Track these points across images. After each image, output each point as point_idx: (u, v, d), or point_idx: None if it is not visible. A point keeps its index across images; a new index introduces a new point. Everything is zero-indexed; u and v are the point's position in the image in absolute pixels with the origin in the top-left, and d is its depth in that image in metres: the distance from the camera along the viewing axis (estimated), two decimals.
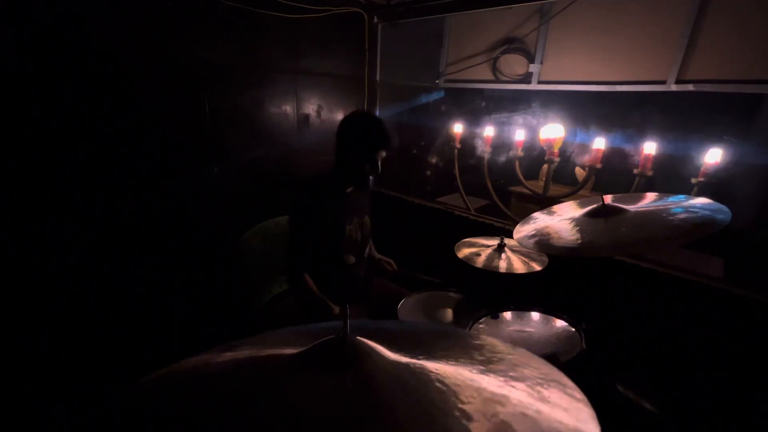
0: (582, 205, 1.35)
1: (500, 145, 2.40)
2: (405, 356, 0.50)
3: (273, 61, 2.03)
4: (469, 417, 0.39)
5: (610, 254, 1.34)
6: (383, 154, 1.48)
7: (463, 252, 1.57)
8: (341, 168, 1.52)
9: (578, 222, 1.24)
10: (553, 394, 0.45)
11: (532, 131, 2.11)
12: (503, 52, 2.44)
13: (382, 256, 1.83)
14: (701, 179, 1.59)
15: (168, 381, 0.50)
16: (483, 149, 2.26)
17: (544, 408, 0.42)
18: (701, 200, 1.18)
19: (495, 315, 1.43)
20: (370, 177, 1.51)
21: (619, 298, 1.64)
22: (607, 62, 2.07)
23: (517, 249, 1.58)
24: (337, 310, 1.46)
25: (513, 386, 0.45)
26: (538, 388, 0.46)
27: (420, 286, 1.70)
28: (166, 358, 0.55)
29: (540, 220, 1.38)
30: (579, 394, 0.46)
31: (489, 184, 2.29)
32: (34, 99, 1.39)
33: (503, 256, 1.53)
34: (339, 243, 1.55)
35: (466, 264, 1.51)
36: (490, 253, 1.55)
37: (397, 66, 2.60)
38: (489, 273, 1.45)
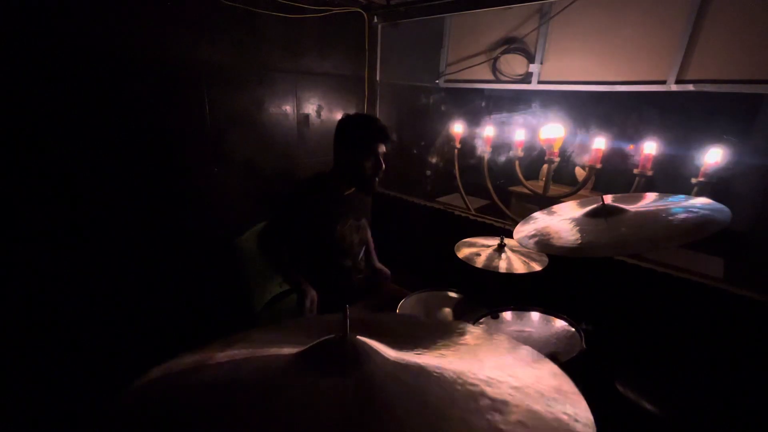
0: (582, 205, 1.35)
1: (500, 145, 2.40)
2: (405, 355, 0.50)
3: (273, 61, 2.03)
4: (467, 417, 0.39)
5: (610, 254, 1.34)
6: (383, 149, 1.47)
7: (463, 252, 1.57)
8: (340, 169, 1.51)
9: (578, 222, 1.24)
10: (553, 392, 0.45)
11: (532, 131, 2.11)
12: (503, 52, 2.44)
13: (382, 267, 1.82)
14: (701, 179, 1.59)
15: (168, 380, 0.50)
16: (483, 149, 2.26)
17: (544, 408, 0.42)
18: (701, 200, 1.18)
19: (495, 315, 1.43)
20: (376, 178, 1.48)
21: (619, 298, 1.64)
22: (607, 62, 2.07)
23: (517, 249, 1.58)
24: (310, 295, 1.40)
25: (513, 386, 0.45)
26: (539, 387, 0.46)
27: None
28: (166, 359, 0.55)
29: (540, 220, 1.38)
30: (577, 395, 0.46)
31: (489, 184, 2.29)
32: (33, 99, 1.39)
33: (503, 256, 1.53)
34: (330, 243, 1.54)
35: (466, 264, 1.51)
36: (490, 253, 1.55)
37: (397, 66, 2.60)
38: (489, 273, 1.45)
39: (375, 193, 1.54)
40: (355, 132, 1.46)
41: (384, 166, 1.47)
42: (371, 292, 1.75)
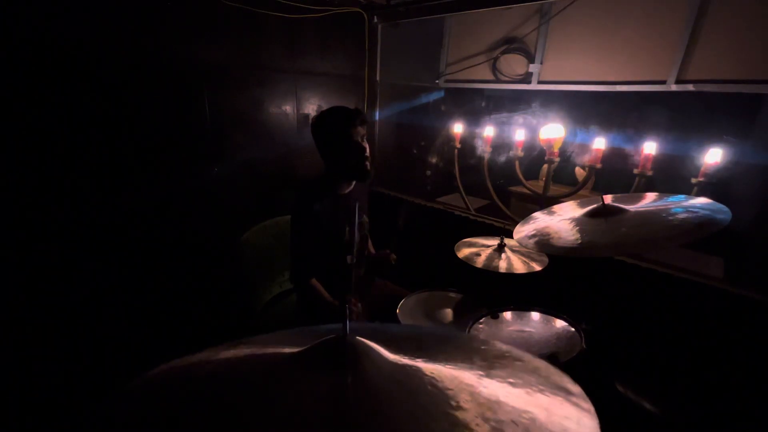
0: (582, 205, 1.35)
1: (500, 145, 2.39)
2: (404, 358, 0.50)
3: (273, 61, 2.03)
4: (457, 421, 0.38)
5: (610, 254, 1.34)
6: (360, 131, 1.44)
7: (463, 252, 1.57)
8: (331, 167, 1.51)
9: (578, 222, 1.24)
10: (555, 401, 0.45)
11: (532, 131, 2.11)
12: (503, 52, 2.44)
13: (379, 252, 1.82)
14: (701, 179, 1.59)
15: (166, 380, 0.50)
16: (483, 149, 2.26)
17: (541, 415, 0.41)
18: (701, 200, 1.18)
19: (495, 315, 1.43)
20: (366, 162, 1.45)
21: (619, 298, 1.64)
22: (607, 62, 2.07)
23: (517, 249, 1.58)
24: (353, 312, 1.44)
25: (511, 392, 0.45)
26: (540, 395, 0.45)
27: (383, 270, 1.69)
28: (166, 359, 0.55)
29: (540, 220, 1.38)
30: (586, 403, 0.46)
31: (489, 184, 2.29)
32: (33, 99, 1.39)
33: (503, 256, 1.53)
34: (340, 244, 1.55)
35: (466, 264, 1.51)
36: (490, 253, 1.55)
37: (397, 66, 2.60)
38: (489, 273, 1.45)
39: (370, 177, 1.52)
40: (327, 124, 1.45)
41: (367, 147, 1.45)
42: (372, 288, 1.76)
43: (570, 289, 1.70)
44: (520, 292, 1.56)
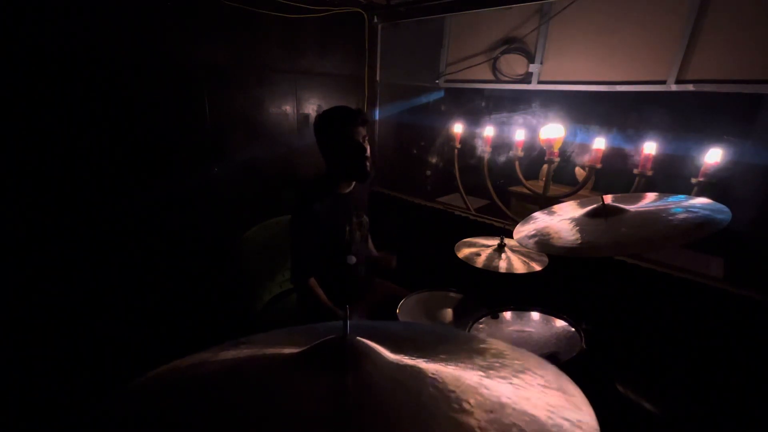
0: (582, 205, 1.35)
1: (500, 145, 2.40)
2: (405, 358, 0.50)
3: (273, 61, 2.03)
4: (461, 425, 0.38)
5: (610, 254, 1.34)
6: (361, 131, 1.44)
7: (463, 252, 1.57)
8: (332, 167, 1.52)
9: (578, 222, 1.24)
10: (556, 403, 0.45)
11: (532, 131, 2.11)
12: (503, 52, 2.44)
13: (381, 253, 1.83)
14: (701, 179, 1.59)
15: (167, 380, 0.50)
16: (483, 149, 2.26)
17: (543, 416, 0.41)
18: (701, 200, 1.18)
19: (495, 315, 1.43)
20: (366, 162, 1.45)
21: (619, 298, 1.64)
22: (607, 62, 2.07)
23: (517, 249, 1.58)
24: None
25: (513, 394, 0.45)
26: (541, 396, 0.45)
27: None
28: (166, 359, 0.55)
29: (540, 220, 1.38)
30: (585, 406, 0.45)
31: (489, 184, 2.29)
32: (32, 99, 1.39)
33: (503, 256, 1.53)
34: (340, 244, 1.55)
35: (466, 264, 1.51)
36: (490, 253, 1.55)
37: (397, 66, 2.60)
38: (489, 273, 1.45)
39: (370, 178, 1.52)
40: (328, 123, 1.46)
41: (368, 148, 1.45)
42: (372, 288, 1.76)
43: (570, 289, 1.70)
44: (520, 292, 1.56)
